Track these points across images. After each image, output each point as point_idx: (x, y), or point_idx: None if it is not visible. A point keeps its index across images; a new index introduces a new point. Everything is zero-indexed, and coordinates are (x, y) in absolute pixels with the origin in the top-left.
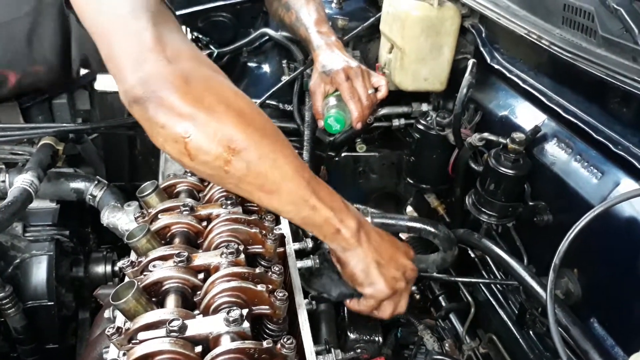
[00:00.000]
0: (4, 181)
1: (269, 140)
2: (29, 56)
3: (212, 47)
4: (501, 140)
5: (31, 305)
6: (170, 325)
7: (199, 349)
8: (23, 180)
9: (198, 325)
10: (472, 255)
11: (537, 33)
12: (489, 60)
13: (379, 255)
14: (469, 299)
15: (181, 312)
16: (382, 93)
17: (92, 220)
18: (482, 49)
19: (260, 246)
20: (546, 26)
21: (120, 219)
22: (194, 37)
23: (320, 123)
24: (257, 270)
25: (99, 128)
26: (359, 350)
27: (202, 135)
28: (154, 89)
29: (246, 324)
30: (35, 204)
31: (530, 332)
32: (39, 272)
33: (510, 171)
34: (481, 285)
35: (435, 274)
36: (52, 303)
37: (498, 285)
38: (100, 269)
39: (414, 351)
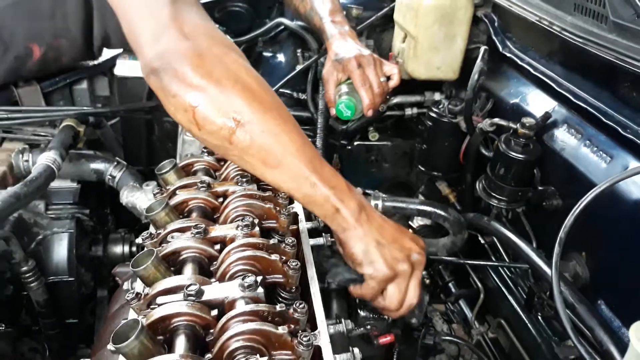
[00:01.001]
0: (27, 160)
1: (274, 116)
2: (53, 30)
3: (228, 36)
4: (512, 125)
5: (52, 281)
6: (188, 289)
7: (214, 312)
8: (46, 158)
9: (214, 291)
10: (482, 241)
11: (548, 19)
12: (501, 48)
13: (380, 236)
14: (479, 285)
15: (198, 279)
16: (394, 81)
17: (111, 202)
18: (494, 37)
19: (274, 221)
20: (558, 13)
21: (139, 198)
22: None
23: (333, 111)
24: (272, 242)
25: (118, 112)
26: (368, 327)
27: (209, 105)
28: (170, 61)
29: (260, 290)
30: (57, 184)
31: (539, 317)
32: (61, 249)
33: (520, 156)
34: (490, 271)
35: (444, 257)
36: (73, 279)
37: (507, 271)
38: (119, 249)
39: (422, 332)
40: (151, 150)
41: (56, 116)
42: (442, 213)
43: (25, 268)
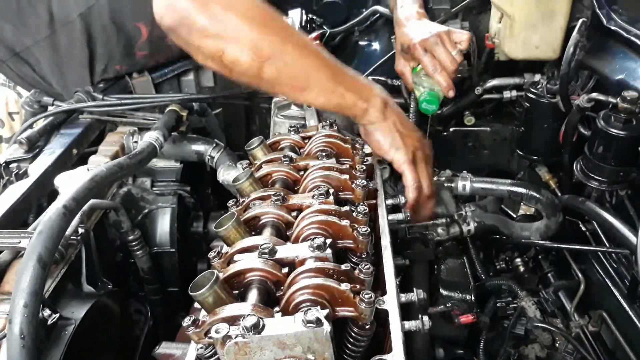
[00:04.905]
0: (136, 141)
1: (292, 45)
2: None
3: (325, 27)
4: (611, 100)
5: (156, 251)
6: (262, 248)
7: (285, 270)
8: (150, 136)
9: (286, 250)
10: (584, 229)
11: None
12: (605, 22)
13: (402, 127)
14: (580, 276)
15: (273, 240)
16: (462, 46)
17: (212, 184)
18: (598, 11)
19: (350, 192)
20: None
21: (233, 175)
22: (308, 18)
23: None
24: (343, 209)
25: (218, 97)
26: (449, 305)
27: (232, 50)
28: (181, 15)
29: (328, 251)
30: (162, 164)
31: None
32: (164, 222)
33: (621, 132)
34: (593, 261)
35: (537, 241)
36: (174, 250)
37: (611, 260)
38: None
39: (512, 319)
40: (251, 137)
41: (162, 101)
42: (534, 194)
43: (131, 237)
